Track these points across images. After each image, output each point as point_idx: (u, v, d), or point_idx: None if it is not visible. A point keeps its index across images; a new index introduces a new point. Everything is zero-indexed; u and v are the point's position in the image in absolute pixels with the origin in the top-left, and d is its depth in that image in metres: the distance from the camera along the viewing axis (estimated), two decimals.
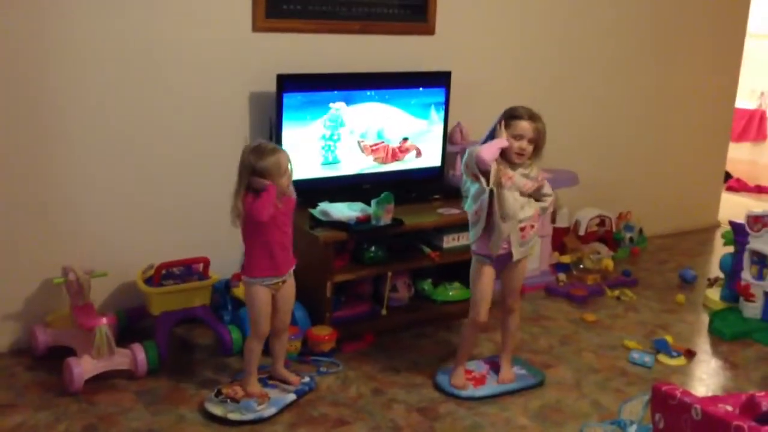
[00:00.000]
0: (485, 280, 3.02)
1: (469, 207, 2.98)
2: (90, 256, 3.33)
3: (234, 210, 2.74)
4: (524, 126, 2.85)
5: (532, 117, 2.87)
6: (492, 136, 2.90)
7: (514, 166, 2.90)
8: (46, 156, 3.25)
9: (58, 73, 3.19)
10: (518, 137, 2.86)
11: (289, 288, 2.94)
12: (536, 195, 3.00)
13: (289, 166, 2.79)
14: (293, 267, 2.94)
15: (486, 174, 2.84)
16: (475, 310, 3.04)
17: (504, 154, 2.89)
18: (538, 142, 2.90)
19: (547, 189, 3.03)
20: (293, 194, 2.88)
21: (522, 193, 2.93)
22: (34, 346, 3.22)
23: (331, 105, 3.63)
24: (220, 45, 3.52)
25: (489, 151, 2.83)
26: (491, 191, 2.85)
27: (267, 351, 3.00)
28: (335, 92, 3.63)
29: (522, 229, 2.97)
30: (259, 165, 2.71)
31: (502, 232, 2.90)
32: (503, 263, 3.02)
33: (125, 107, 3.36)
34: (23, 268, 3.28)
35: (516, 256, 2.99)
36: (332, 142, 3.68)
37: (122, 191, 3.44)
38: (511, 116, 2.88)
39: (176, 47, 3.42)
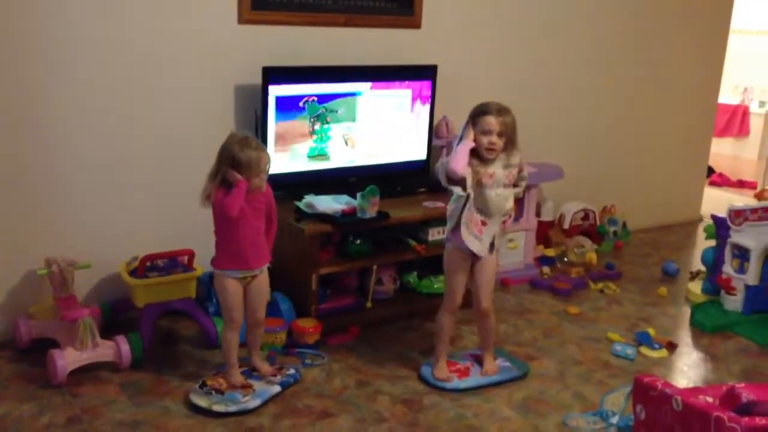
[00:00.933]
0: (458, 267, 3.04)
1: (451, 204, 3.01)
2: (73, 247, 3.32)
3: (204, 191, 2.77)
4: (490, 121, 2.85)
5: (499, 111, 2.87)
6: (463, 135, 2.91)
7: (489, 161, 2.91)
8: (30, 148, 3.23)
9: (41, 65, 3.17)
10: (487, 132, 2.86)
11: (260, 283, 2.93)
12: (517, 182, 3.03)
13: (267, 168, 2.79)
14: (266, 263, 2.92)
15: (462, 182, 2.87)
16: (450, 299, 3.07)
17: (477, 153, 2.89)
18: (509, 135, 2.89)
19: (524, 171, 3.05)
20: (265, 189, 2.85)
21: (506, 186, 2.95)
22: (17, 338, 3.21)
23: (315, 98, 3.62)
24: (205, 37, 3.50)
25: (457, 161, 2.83)
26: (468, 195, 2.89)
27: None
28: (320, 84, 3.63)
29: (503, 222, 3.01)
30: (239, 155, 2.71)
31: (471, 234, 2.94)
32: (476, 255, 3.03)
33: (109, 100, 3.34)
34: (6, 259, 3.26)
35: (496, 245, 3.02)
36: (318, 135, 3.67)
37: (106, 183, 3.42)
38: (477, 113, 2.89)
39: (161, 39, 3.40)
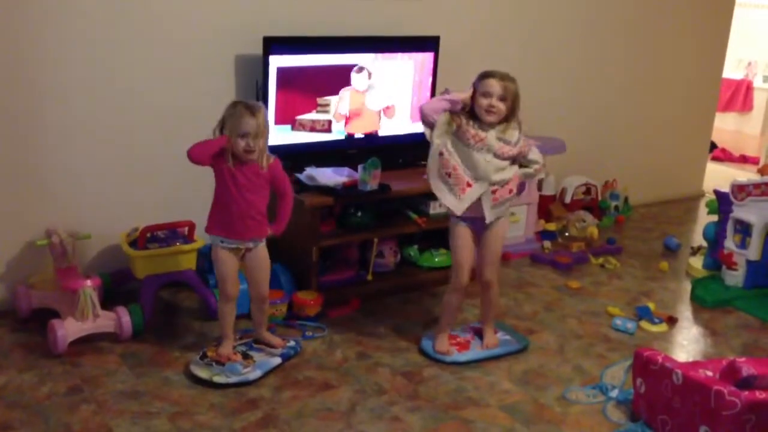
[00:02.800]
0: (462, 242, 3.02)
1: (428, 170, 3.01)
2: (74, 218, 3.32)
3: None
4: (491, 83, 2.86)
5: (502, 77, 2.88)
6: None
7: (486, 127, 2.90)
8: (29, 118, 3.20)
9: (40, 34, 3.13)
10: (486, 94, 2.87)
11: (257, 259, 2.90)
12: (521, 161, 3.01)
13: (252, 132, 2.70)
14: (258, 238, 2.89)
15: (430, 126, 2.92)
16: (456, 274, 3.05)
17: (477, 116, 2.90)
18: (511, 103, 2.88)
19: (534, 155, 3.04)
20: (266, 164, 2.81)
21: (498, 156, 2.92)
22: (17, 307, 3.21)
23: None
24: (205, 7, 3.46)
25: (431, 104, 2.95)
26: (437, 145, 2.93)
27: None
28: (321, 55, 3.59)
29: (493, 192, 2.95)
30: (225, 112, 2.74)
31: (446, 186, 2.95)
32: (479, 226, 3.02)
33: (109, 70, 3.31)
34: (6, 229, 3.25)
35: (488, 218, 2.97)
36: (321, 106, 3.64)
37: (107, 153, 3.40)
38: (481, 76, 2.91)
39: (161, 9, 3.36)
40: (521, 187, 3.14)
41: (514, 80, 2.91)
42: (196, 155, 2.71)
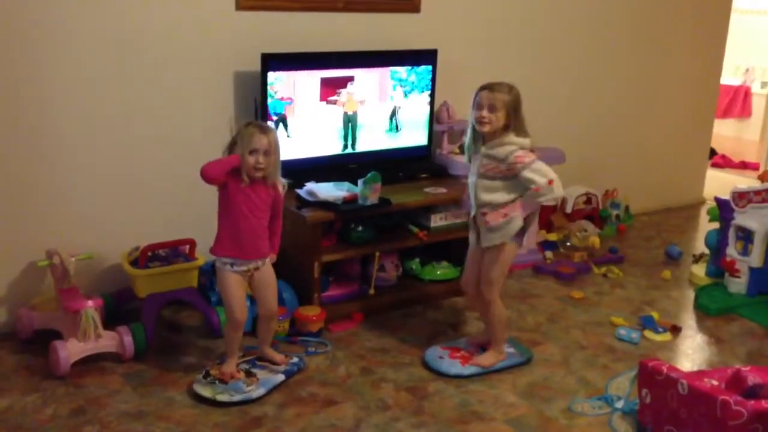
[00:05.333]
0: (467, 258, 3.11)
1: None
2: (74, 238, 3.30)
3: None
4: (482, 95, 2.86)
5: (493, 88, 2.85)
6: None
7: (480, 143, 2.92)
8: (29, 138, 3.20)
9: (39, 54, 3.14)
10: (478, 106, 2.87)
11: (264, 275, 2.90)
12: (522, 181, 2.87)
13: (262, 148, 2.71)
14: (267, 257, 2.90)
15: None
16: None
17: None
18: (506, 113, 2.83)
19: (530, 173, 2.82)
20: (279, 186, 2.85)
21: (484, 175, 2.89)
22: (19, 329, 3.20)
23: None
24: (203, 24, 3.47)
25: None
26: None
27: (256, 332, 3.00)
28: (320, 71, 3.60)
29: (483, 215, 2.92)
30: (236, 131, 2.76)
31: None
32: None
33: (108, 88, 3.32)
34: (7, 251, 3.25)
35: (483, 242, 2.97)
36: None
37: (106, 173, 3.40)
38: (476, 90, 2.91)
39: (159, 26, 3.37)
40: (526, 210, 2.92)
41: (511, 91, 2.87)
42: (210, 173, 2.70)
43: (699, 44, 5.43)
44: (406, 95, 3.86)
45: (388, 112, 3.85)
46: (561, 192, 2.88)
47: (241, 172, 2.73)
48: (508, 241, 2.94)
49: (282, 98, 3.52)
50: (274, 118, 3.50)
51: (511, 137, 2.86)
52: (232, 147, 2.77)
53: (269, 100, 3.46)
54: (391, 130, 3.87)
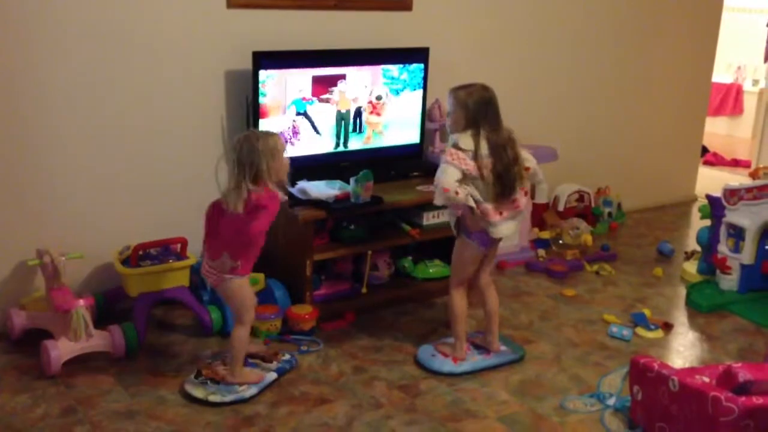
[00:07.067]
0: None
1: None
2: (65, 237, 3.29)
3: (239, 198, 2.63)
4: (447, 96, 2.96)
5: (452, 90, 2.92)
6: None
7: None
8: (20, 138, 3.19)
9: (31, 54, 3.12)
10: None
11: None
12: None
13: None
14: None
15: None
16: None
17: None
18: (462, 112, 2.84)
19: (438, 173, 2.87)
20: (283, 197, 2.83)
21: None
22: (9, 329, 3.19)
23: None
24: (194, 22, 3.46)
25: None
26: None
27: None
28: (311, 69, 3.59)
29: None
30: (251, 145, 2.61)
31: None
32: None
33: (99, 87, 3.30)
34: None
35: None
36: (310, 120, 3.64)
37: (97, 172, 3.39)
38: None
39: (150, 25, 3.36)
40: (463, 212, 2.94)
41: (467, 88, 2.86)
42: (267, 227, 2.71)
43: (690, 42, 5.44)
44: (396, 93, 3.86)
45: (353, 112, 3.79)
46: (439, 200, 2.87)
47: (279, 181, 2.70)
48: (460, 235, 3.02)
49: (304, 98, 3.56)
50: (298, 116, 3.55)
51: (457, 135, 2.87)
52: (241, 164, 2.62)
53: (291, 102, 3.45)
54: (354, 131, 3.79)
